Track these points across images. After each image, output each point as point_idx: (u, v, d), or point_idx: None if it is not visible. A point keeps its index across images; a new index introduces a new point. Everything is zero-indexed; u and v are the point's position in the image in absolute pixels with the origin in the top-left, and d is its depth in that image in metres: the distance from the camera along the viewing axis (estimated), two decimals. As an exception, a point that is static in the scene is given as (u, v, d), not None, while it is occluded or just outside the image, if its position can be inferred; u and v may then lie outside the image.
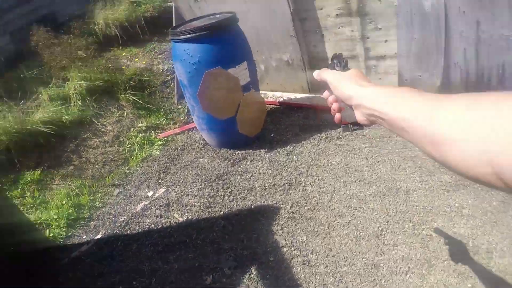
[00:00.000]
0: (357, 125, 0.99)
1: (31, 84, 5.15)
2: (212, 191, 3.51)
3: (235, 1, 4.30)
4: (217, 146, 4.10)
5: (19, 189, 4.02)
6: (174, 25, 4.74)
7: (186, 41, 3.47)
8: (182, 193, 3.58)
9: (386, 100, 0.82)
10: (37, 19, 5.95)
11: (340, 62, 1.07)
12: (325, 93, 1.10)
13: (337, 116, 1.04)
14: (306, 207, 3.11)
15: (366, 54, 3.98)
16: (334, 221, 2.93)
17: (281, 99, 4.64)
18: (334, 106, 1.05)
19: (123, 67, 5.20)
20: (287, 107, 4.54)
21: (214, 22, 3.45)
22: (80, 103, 4.63)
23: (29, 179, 4.08)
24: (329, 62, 1.11)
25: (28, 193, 3.96)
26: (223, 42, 3.50)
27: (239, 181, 3.58)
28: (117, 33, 5.92)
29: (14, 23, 5.85)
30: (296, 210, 3.11)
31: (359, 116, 0.93)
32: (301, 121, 4.24)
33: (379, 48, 3.89)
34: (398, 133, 0.79)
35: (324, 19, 4.00)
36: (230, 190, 3.49)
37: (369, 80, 0.96)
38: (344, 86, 0.96)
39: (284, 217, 3.07)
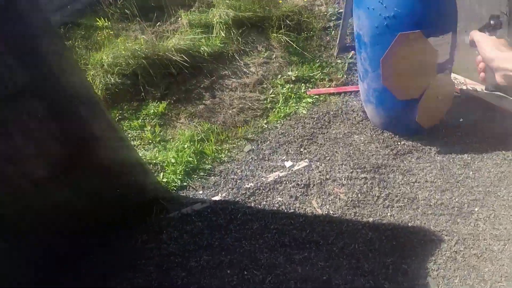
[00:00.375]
0: (495, 87, 1.14)
1: (171, 5, 4.75)
2: (365, 186, 2.81)
3: None
4: (379, 127, 3.34)
5: (140, 120, 3.67)
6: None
7: None
8: (327, 176, 2.91)
9: None
10: None
11: (496, 25, 1.23)
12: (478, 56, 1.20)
13: (482, 75, 1.18)
14: (472, 250, 2.42)
15: None
16: (498, 282, 2.26)
17: (464, 87, 3.69)
18: (481, 65, 1.17)
19: (280, 1, 4.53)
20: (468, 99, 3.58)
21: None
22: (224, 35, 4.09)
23: (152, 111, 3.71)
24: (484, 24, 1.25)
25: (149, 127, 3.59)
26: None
27: (400, 182, 2.85)
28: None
29: None
30: (460, 250, 2.43)
31: (498, 78, 1.07)
32: (484, 124, 3.32)
33: None
34: None
35: None
36: (387, 192, 2.78)
37: (510, 48, 1.10)
38: (488, 49, 1.10)
39: (445, 254, 2.42)
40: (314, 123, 3.44)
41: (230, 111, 3.63)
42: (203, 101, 3.77)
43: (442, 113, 3.25)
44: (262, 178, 2.93)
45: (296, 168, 2.98)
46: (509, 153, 3.02)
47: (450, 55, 2.91)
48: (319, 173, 2.91)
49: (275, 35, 4.17)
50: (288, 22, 4.24)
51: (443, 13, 2.76)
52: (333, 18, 4.45)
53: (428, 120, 3.17)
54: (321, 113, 3.55)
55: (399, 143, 3.17)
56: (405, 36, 2.67)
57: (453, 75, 3.81)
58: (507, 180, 2.80)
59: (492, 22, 1.22)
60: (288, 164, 3.03)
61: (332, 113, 3.54)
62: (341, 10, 4.25)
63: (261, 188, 2.85)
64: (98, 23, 4.62)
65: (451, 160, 3.00)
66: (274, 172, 2.98)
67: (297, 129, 3.40)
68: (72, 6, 5.04)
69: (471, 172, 2.89)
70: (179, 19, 4.50)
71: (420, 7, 2.64)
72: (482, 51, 1.12)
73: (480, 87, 3.65)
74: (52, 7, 5.05)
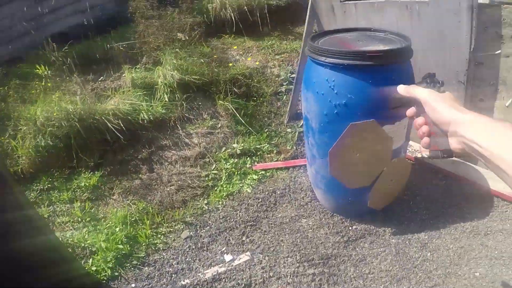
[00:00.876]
0: (448, 153, 1.00)
1: (116, 58, 4.59)
2: (313, 284, 2.62)
3: (395, 14, 3.44)
4: (329, 210, 3.22)
5: (70, 192, 3.45)
6: (306, 26, 3.94)
7: (334, 67, 2.50)
8: (270, 273, 2.71)
9: (490, 135, 0.86)
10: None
11: (434, 83, 1.10)
12: (410, 111, 1.12)
13: (425, 140, 1.04)
14: None
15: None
16: None
17: (419, 155, 3.71)
18: (424, 129, 1.05)
19: (230, 64, 4.43)
20: (423, 168, 3.58)
21: (390, 50, 2.47)
22: (167, 99, 3.93)
23: (83, 184, 3.48)
24: (420, 80, 1.15)
25: (79, 203, 3.34)
26: (390, 84, 2.54)
27: (352, 276, 2.68)
28: (233, 17, 5.17)
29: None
30: None
31: (454, 144, 0.96)
32: (440, 194, 3.28)
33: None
34: (494, 171, 0.85)
35: (507, 71, 3.09)
36: (337, 290, 2.62)
37: (463, 106, 0.97)
38: (442, 109, 0.98)
39: None
40: (259, 204, 3.28)
41: (168, 189, 3.44)
42: (140, 175, 3.57)
43: (397, 192, 3.15)
44: (200, 274, 2.73)
45: (236, 262, 2.79)
46: (467, 224, 2.98)
47: (406, 138, 2.82)
48: (261, 270, 2.72)
49: (222, 102, 4.04)
50: (236, 89, 4.13)
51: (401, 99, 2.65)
52: (285, 83, 4.37)
53: (382, 202, 3.06)
54: (266, 192, 3.40)
55: (350, 228, 3.04)
56: (357, 126, 2.50)
57: (408, 142, 3.80)
58: (467, 256, 2.73)
59: (428, 80, 1.13)
60: (228, 257, 2.84)
61: (278, 192, 3.40)
62: (293, 75, 4.18)
63: (198, 287, 2.66)
64: (38, 70, 4.41)
65: (407, 242, 2.90)
66: (213, 267, 2.78)
67: (240, 212, 3.22)
68: (16, 43, 4.87)
69: (429, 254, 2.79)
70: (123, 75, 4.33)
71: (376, 94, 2.45)
72: (433, 112, 1.01)
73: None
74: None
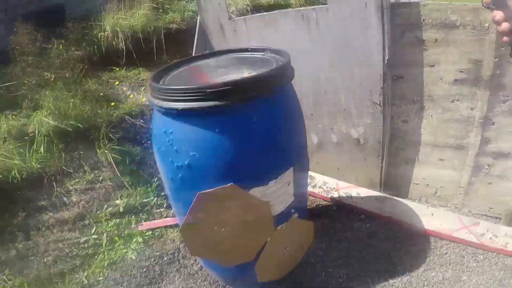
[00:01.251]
0: None
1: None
2: None
3: (290, 27, 3.11)
4: (221, 281, 2.77)
5: None
6: (195, 51, 3.69)
7: (168, 113, 1.96)
8: None
9: None
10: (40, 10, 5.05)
11: None
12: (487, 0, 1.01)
13: (505, 39, 0.98)
14: None
15: (482, 146, 2.86)
16: None
17: (336, 195, 3.28)
18: (504, 26, 0.97)
19: (112, 103, 4.10)
20: (342, 210, 3.18)
21: (242, 81, 1.92)
22: (42, 151, 3.59)
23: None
24: None
25: None
26: (256, 125, 1.94)
27: None
28: (124, 47, 4.86)
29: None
30: None
31: None
32: (363, 243, 2.86)
33: (503, 142, 2.78)
34: None
35: (433, 83, 2.85)
36: None
37: None
38: None
39: None
40: (143, 276, 2.93)
41: (45, 260, 3.13)
42: (16, 244, 3.24)
43: (300, 256, 2.67)
44: None
45: None
46: (398, 281, 2.52)
47: (295, 195, 2.26)
48: None
49: (103, 150, 3.70)
50: (119, 133, 3.82)
51: (277, 144, 2.06)
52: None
53: (279, 272, 2.57)
54: (152, 259, 3.05)
55: (246, 303, 2.65)
56: (208, 195, 1.94)
57: (323, 178, 3.50)
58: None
59: None
60: None
61: (166, 258, 3.05)
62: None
63: None
64: None
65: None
66: None
67: (122, 286, 2.88)
68: None
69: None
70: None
71: (231, 147, 1.89)
72: None
73: (356, 190, 3.31)
74: None
